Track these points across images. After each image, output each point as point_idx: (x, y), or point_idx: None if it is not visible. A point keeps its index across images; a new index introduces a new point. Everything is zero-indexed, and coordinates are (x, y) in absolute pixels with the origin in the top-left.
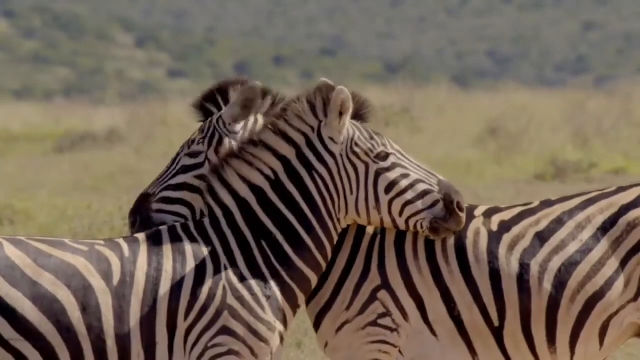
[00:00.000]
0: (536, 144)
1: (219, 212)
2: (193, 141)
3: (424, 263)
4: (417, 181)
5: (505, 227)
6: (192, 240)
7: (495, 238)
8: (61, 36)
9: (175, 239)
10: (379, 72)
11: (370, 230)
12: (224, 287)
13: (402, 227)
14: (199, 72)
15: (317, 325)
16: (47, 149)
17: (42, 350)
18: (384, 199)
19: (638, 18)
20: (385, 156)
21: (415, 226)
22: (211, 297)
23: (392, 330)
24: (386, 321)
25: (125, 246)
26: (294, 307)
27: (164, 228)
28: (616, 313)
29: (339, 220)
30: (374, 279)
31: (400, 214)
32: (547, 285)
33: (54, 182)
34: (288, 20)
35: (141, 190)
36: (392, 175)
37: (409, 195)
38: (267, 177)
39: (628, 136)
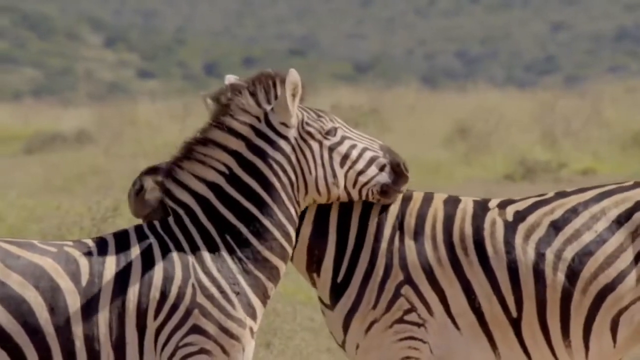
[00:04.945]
0: (505, 144)
1: (181, 212)
2: None
3: (443, 254)
4: (364, 149)
5: (520, 217)
6: (159, 239)
7: (511, 228)
8: (30, 36)
9: (142, 238)
10: (349, 72)
11: (389, 225)
12: (193, 286)
13: (355, 197)
14: (168, 73)
15: (346, 327)
16: (15, 149)
17: (10, 351)
18: (340, 172)
19: (607, 18)
20: (334, 131)
21: (367, 194)
22: (180, 296)
23: (418, 325)
24: (412, 317)
25: (93, 247)
26: (264, 299)
27: (131, 228)
28: (626, 308)
29: (299, 203)
30: (397, 275)
31: (354, 184)
32: (561, 275)
33: (23, 182)
34: (257, 21)
35: (111, 190)
36: (343, 148)
37: (360, 165)
38: (221, 173)
39: (597, 136)
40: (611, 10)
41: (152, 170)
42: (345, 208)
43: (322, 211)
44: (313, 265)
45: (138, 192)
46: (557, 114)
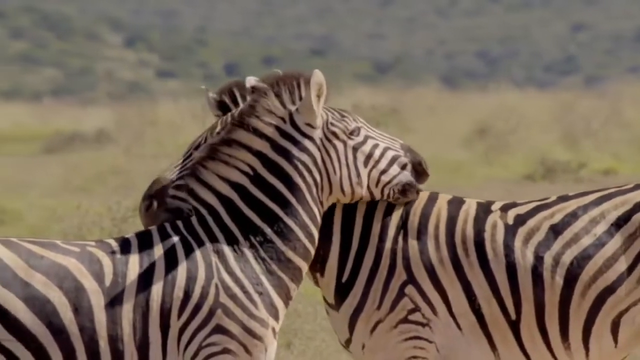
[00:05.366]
0: (525, 144)
1: (204, 212)
2: (218, 133)
3: (445, 254)
4: (386, 149)
5: (521, 220)
6: (182, 239)
7: (511, 231)
8: (50, 36)
9: (165, 238)
10: (369, 72)
11: (393, 225)
12: (217, 286)
13: (378, 196)
14: (188, 73)
15: (351, 328)
16: (36, 149)
17: (34, 351)
18: (364, 172)
19: (627, 18)
20: (358, 131)
21: (389, 194)
22: (204, 295)
23: (423, 325)
24: (416, 316)
25: (116, 247)
26: (287, 299)
27: (153, 228)
28: (627, 310)
29: (322, 203)
30: (401, 275)
31: (377, 183)
32: (560, 278)
33: (43, 182)
34: (277, 21)
35: (131, 190)
36: (366, 148)
37: (383, 164)
38: (245, 174)
39: (617, 136)
40: (631, 11)
41: (159, 191)
42: (349, 208)
43: (326, 211)
44: (317, 265)
45: (148, 207)
46: (577, 114)
